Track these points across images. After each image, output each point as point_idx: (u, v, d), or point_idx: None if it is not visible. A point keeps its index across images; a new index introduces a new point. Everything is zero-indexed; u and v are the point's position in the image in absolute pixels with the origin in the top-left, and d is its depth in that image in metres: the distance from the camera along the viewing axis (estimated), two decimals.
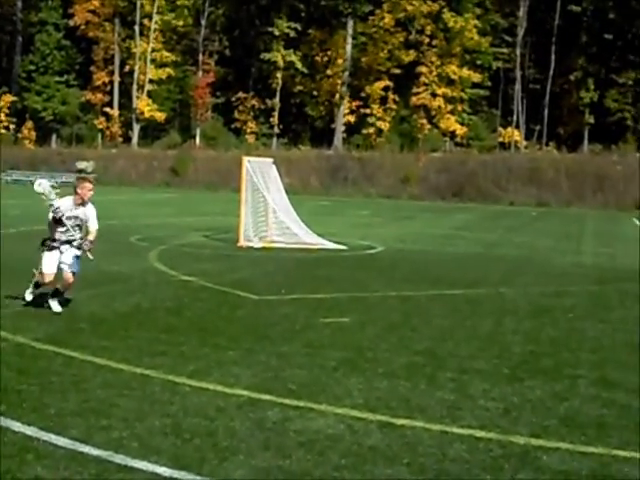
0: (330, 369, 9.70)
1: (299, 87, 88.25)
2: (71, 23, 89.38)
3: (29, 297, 12.89)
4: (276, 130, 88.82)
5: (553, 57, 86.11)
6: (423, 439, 7.39)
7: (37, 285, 12.84)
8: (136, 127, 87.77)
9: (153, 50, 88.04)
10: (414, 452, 7.03)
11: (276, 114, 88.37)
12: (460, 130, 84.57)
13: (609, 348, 11.66)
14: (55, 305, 12.58)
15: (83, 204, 12.68)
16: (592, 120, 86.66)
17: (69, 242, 12.57)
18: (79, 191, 12.64)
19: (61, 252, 12.54)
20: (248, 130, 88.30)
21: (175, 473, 6.36)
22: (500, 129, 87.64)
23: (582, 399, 8.87)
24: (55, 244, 12.58)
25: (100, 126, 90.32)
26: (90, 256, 12.62)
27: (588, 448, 7.33)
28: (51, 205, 12.47)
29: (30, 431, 7.17)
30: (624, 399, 8.93)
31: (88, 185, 12.78)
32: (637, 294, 17.59)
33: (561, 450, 7.24)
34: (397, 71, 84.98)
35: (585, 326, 13.27)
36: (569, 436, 7.62)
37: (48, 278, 12.56)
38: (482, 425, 7.81)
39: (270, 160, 26.90)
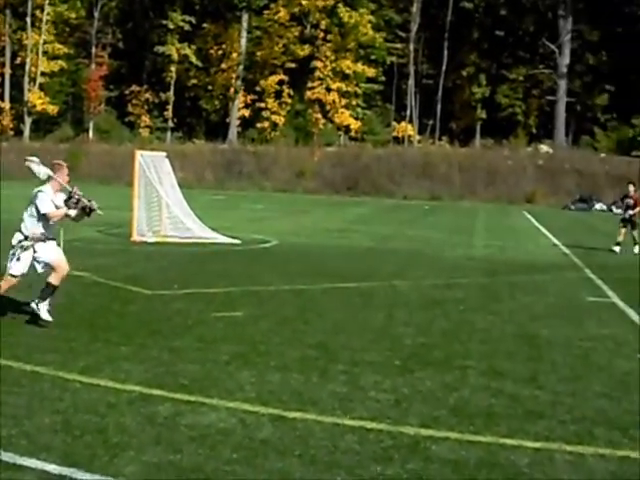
0: (222, 363, 9.68)
1: (193, 81, 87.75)
2: None
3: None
4: (170, 124, 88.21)
5: (446, 53, 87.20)
6: (315, 431, 7.43)
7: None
8: (28, 120, 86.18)
9: (45, 42, 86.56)
10: (306, 444, 7.06)
11: (170, 108, 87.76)
12: (354, 124, 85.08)
13: (498, 339, 11.88)
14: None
15: (61, 191, 11.94)
16: (484, 115, 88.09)
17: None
18: (58, 177, 11.87)
19: (35, 250, 11.65)
20: (142, 124, 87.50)
21: (65, 470, 6.27)
22: (394, 124, 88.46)
23: (471, 389, 9.01)
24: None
25: None
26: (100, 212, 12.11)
27: (476, 437, 7.46)
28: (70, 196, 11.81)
29: None
30: (512, 389, 9.11)
31: (66, 170, 12.08)
32: (526, 286, 17.99)
33: (450, 440, 7.35)
34: (292, 65, 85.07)
35: (475, 318, 13.49)
36: (458, 426, 7.74)
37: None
38: (373, 416, 7.89)
39: (163, 154, 26.66)
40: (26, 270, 11.61)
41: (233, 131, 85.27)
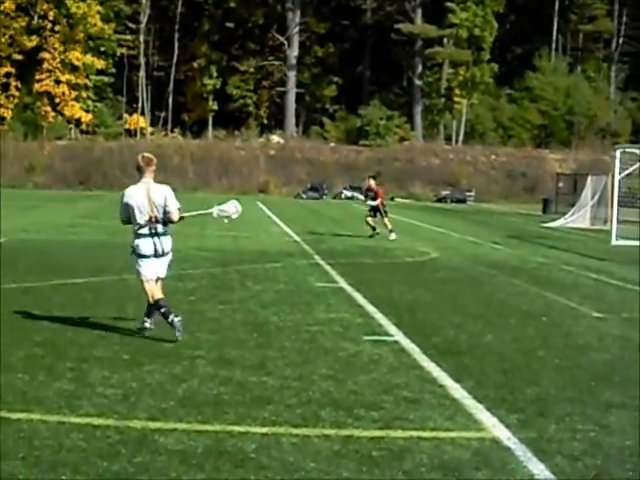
0: None
1: None
2: None
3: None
4: None
5: (176, 44, 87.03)
6: (40, 431, 7.23)
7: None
8: None
9: None
10: (30, 445, 6.86)
11: None
12: (85, 117, 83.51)
13: (228, 328, 12.00)
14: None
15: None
16: (215, 107, 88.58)
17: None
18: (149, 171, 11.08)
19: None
20: None
21: None
22: (126, 116, 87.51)
23: (200, 379, 9.04)
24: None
25: None
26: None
27: (205, 426, 7.51)
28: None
29: None
30: (241, 376, 9.22)
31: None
32: (257, 274, 18.26)
33: (178, 430, 7.36)
34: (19, 57, 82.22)
35: (206, 308, 13.58)
36: (186, 416, 7.76)
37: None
38: (100, 412, 7.77)
39: None
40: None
41: None
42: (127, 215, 10.97)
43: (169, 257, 11.23)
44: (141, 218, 10.83)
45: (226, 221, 12.42)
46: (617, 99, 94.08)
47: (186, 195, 62.58)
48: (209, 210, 12.20)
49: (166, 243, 11.05)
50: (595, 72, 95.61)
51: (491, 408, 8.30)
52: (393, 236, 28.67)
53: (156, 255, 10.98)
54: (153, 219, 10.86)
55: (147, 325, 11.14)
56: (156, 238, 10.94)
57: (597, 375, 9.85)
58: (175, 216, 11.07)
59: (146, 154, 11.30)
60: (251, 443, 7.10)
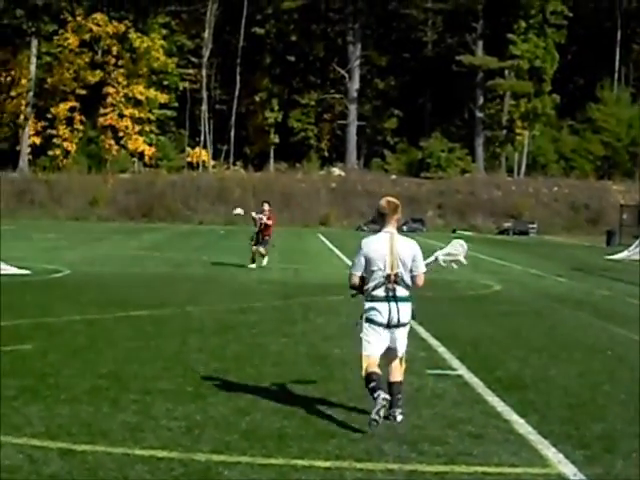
0: (9, 398, 9.35)
1: None
2: None
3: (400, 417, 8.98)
4: None
5: (238, 78, 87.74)
6: (104, 463, 7.28)
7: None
8: None
9: None
10: (95, 477, 6.92)
11: None
12: (148, 151, 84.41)
13: (291, 361, 11.99)
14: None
15: None
16: (277, 139, 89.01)
17: None
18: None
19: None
20: None
21: None
22: (188, 149, 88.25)
23: (263, 412, 9.04)
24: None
25: None
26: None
27: (268, 460, 7.49)
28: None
29: None
30: (304, 409, 9.20)
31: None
32: (320, 307, 18.25)
33: (242, 464, 7.35)
34: (83, 92, 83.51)
35: (268, 341, 13.58)
36: (250, 449, 7.75)
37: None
38: (164, 445, 7.80)
39: None
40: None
41: (24, 159, 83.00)
42: (363, 269, 8.93)
43: (405, 329, 9.03)
44: (378, 275, 8.84)
45: (455, 267, 10.30)
46: None
47: (247, 228, 63.02)
48: (432, 258, 9.97)
49: (404, 312, 8.92)
50: None
51: (557, 444, 8.19)
52: (253, 266, 27.33)
53: (389, 325, 8.82)
54: (393, 278, 8.84)
55: (375, 417, 8.41)
56: (393, 303, 8.84)
57: None
58: (421, 281, 9.06)
59: (391, 199, 9.35)
60: (315, 477, 7.08)
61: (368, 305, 8.90)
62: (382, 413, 8.40)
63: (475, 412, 9.28)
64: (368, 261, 8.85)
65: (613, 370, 12.14)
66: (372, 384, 8.61)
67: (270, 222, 28.28)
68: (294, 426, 8.56)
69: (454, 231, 70.58)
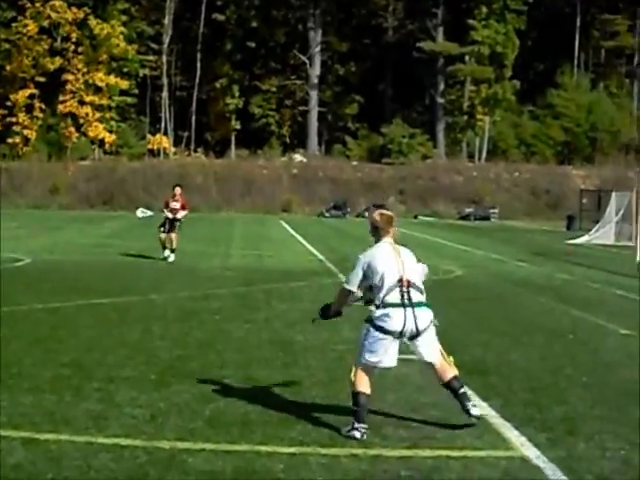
0: None
1: None
2: None
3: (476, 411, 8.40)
4: None
5: (199, 64, 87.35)
6: (68, 452, 7.24)
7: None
8: None
9: None
10: (58, 466, 6.88)
11: None
12: (109, 138, 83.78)
13: (254, 348, 11.99)
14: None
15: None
16: (238, 126, 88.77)
17: None
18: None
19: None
20: None
21: None
22: (149, 136, 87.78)
23: (227, 399, 9.04)
24: None
25: None
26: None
27: (232, 446, 7.50)
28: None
29: None
30: (268, 396, 9.20)
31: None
32: (282, 293, 18.26)
33: (206, 451, 7.35)
34: (42, 79, 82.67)
35: (231, 327, 13.58)
36: (214, 436, 7.76)
37: None
38: (128, 433, 7.78)
39: None
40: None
41: None
42: (359, 284, 8.45)
43: (428, 335, 8.50)
44: (389, 281, 8.25)
45: None
46: None
47: (209, 214, 62.88)
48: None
49: (422, 318, 8.35)
50: (617, 88, 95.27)
51: (519, 427, 8.26)
52: (172, 258, 25.50)
53: (401, 334, 8.27)
54: (405, 282, 8.28)
55: (355, 434, 7.92)
56: (409, 309, 8.24)
57: (626, 392, 9.78)
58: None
59: (384, 211, 8.67)
60: (279, 463, 7.09)
61: (380, 312, 8.19)
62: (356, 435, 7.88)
63: (438, 396, 9.31)
64: (373, 271, 8.28)
65: (574, 353, 12.24)
66: (357, 408, 8.07)
67: (179, 206, 26.25)
68: (258, 412, 8.57)
69: (416, 217, 70.78)
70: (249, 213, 66.43)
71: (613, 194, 46.41)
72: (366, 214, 69.77)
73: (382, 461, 7.23)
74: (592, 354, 12.25)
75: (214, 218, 58.47)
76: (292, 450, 7.41)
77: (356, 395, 8.12)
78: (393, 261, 8.33)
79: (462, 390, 8.42)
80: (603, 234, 43.45)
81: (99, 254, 27.85)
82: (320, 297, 17.75)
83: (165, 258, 25.46)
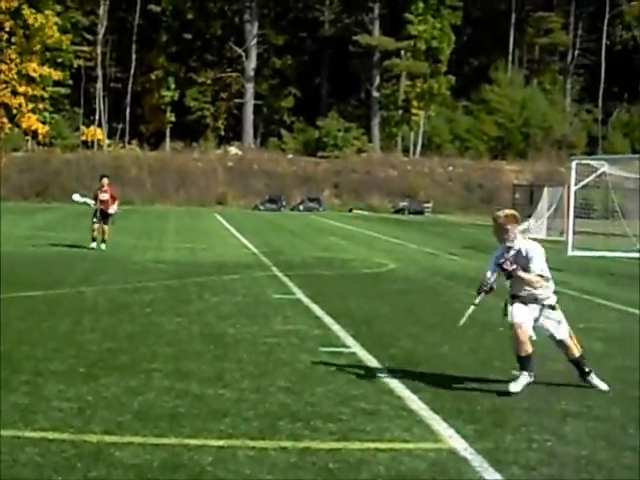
0: None
1: None
2: None
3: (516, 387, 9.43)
4: None
5: (134, 56, 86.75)
6: None
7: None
8: None
9: None
10: None
11: None
12: (42, 129, 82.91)
13: (185, 340, 11.94)
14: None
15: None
16: (173, 118, 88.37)
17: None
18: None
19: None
20: None
21: None
22: (83, 128, 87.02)
23: (157, 392, 8.98)
24: None
25: None
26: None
27: (161, 440, 7.45)
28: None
29: None
30: (197, 389, 9.17)
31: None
32: (215, 286, 18.21)
33: (134, 444, 7.29)
34: None
35: (162, 320, 13.49)
36: (142, 430, 7.70)
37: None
38: (55, 427, 7.69)
39: None
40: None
41: None
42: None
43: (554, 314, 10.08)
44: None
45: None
46: (572, 111, 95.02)
47: (142, 207, 62.48)
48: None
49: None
50: (551, 84, 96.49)
51: (448, 419, 8.32)
52: (104, 246, 26.13)
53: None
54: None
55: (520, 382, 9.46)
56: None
57: (553, 385, 9.91)
58: (533, 280, 10.13)
59: (509, 211, 10.12)
60: (208, 456, 7.06)
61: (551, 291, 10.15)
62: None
63: (368, 389, 9.36)
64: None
65: (504, 346, 12.35)
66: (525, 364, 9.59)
67: (107, 197, 26.49)
68: (187, 405, 8.53)
69: (350, 210, 71.02)
70: (184, 206, 66.12)
71: (545, 189, 46.96)
72: (301, 207, 70.03)
73: (311, 453, 7.23)
74: None
75: (148, 211, 58.11)
76: (221, 443, 7.39)
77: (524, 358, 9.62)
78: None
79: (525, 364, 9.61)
80: (535, 229, 43.90)
81: (31, 246, 27.50)
82: (253, 290, 17.82)
83: (92, 249, 25.72)
